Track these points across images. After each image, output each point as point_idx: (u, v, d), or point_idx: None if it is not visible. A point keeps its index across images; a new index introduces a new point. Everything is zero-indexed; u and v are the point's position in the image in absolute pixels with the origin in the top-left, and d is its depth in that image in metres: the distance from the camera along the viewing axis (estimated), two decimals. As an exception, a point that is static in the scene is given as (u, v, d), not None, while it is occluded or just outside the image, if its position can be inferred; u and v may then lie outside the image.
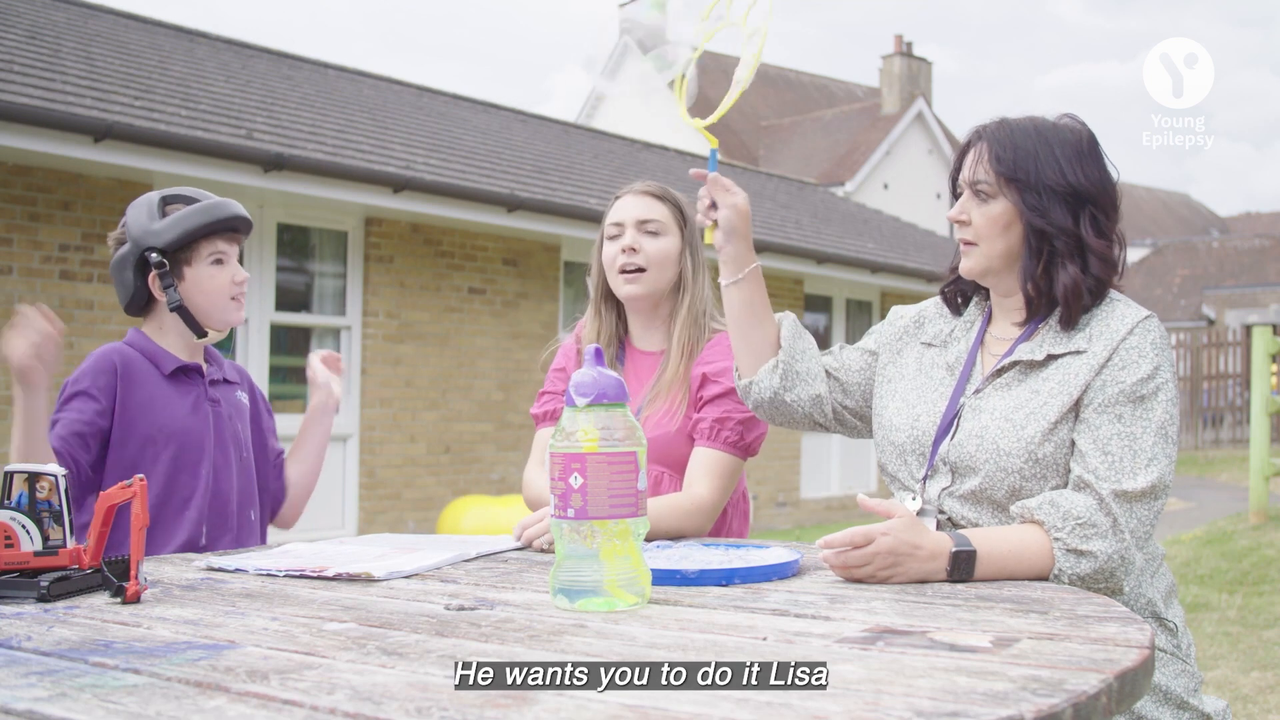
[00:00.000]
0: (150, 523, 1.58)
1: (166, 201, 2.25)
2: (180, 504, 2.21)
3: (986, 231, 1.74)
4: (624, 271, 2.21)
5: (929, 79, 24.99)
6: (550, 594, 1.35)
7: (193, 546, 2.19)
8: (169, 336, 2.27)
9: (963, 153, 1.80)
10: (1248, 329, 15.71)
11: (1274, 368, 10.15)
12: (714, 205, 1.84)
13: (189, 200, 2.26)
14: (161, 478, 2.18)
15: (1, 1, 8.14)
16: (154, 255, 2.20)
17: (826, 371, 1.94)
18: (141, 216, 2.23)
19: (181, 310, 2.22)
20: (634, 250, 2.19)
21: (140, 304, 2.27)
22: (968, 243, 1.77)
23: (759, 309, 1.90)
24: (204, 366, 2.31)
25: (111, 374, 2.18)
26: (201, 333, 2.26)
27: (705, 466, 2.10)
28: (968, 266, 1.78)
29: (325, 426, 2.51)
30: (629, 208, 2.23)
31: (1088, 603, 1.31)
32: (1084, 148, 1.73)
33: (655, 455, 2.16)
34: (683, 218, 2.25)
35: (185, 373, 2.26)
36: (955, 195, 1.81)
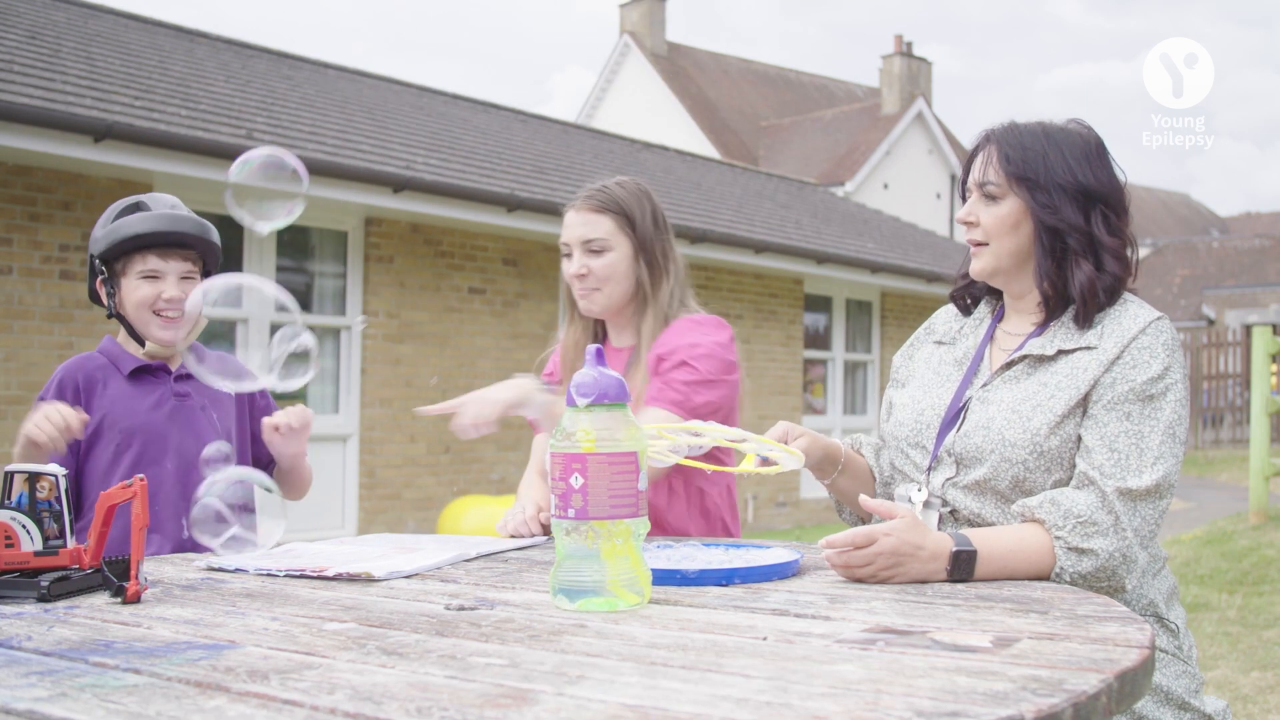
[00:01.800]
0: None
1: (129, 209, 2.23)
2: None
3: (995, 231, 1.75)
4: (580, 291, 2.24)
5: (929, 79, 24.99)
6: (550, 594, 1.35)
7: (177, 536, 2.20)
8: (132, 341, 2.28)
9: (971, 156, 1.80)
10: (1248, 329, 15.70)
11: (1274, 368, 10.15)
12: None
13: (151, 209, 2.23)
14: (122, 472, 2.18)
15: (2, 1, 8.14)
16: (96, 261, 2.22)
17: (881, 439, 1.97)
18: (100, 220, 2.24)
19: (121, 318, 2.24)
20: (583, 275, 2.22)
21: (106, 307, 2.27)
22: (977, 243, 1.78)
23: (858, 474, 1.93)
24: (170, 365, 2.29)
25: (74, 387, 2.20)
26: (142, 342, 2.26)
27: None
28: (978, 267, 1.79)
29: (292, 450, 2.36)
30: (573, 227, 2.23)
31: (1088, 602, 1.31)
32: (1092, 150, 1.74)
33: None
34: (630, 224, 2.21)
35: (149, 371, 2.26)
36: (964, 199, 1.81)
